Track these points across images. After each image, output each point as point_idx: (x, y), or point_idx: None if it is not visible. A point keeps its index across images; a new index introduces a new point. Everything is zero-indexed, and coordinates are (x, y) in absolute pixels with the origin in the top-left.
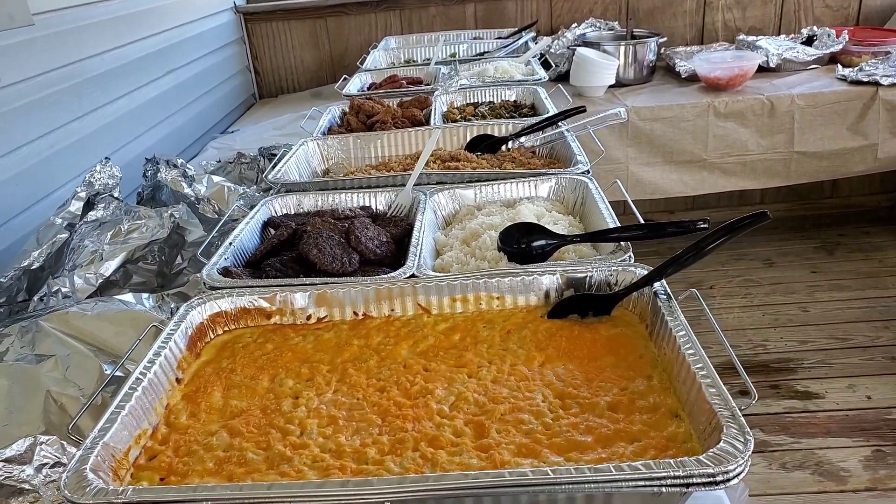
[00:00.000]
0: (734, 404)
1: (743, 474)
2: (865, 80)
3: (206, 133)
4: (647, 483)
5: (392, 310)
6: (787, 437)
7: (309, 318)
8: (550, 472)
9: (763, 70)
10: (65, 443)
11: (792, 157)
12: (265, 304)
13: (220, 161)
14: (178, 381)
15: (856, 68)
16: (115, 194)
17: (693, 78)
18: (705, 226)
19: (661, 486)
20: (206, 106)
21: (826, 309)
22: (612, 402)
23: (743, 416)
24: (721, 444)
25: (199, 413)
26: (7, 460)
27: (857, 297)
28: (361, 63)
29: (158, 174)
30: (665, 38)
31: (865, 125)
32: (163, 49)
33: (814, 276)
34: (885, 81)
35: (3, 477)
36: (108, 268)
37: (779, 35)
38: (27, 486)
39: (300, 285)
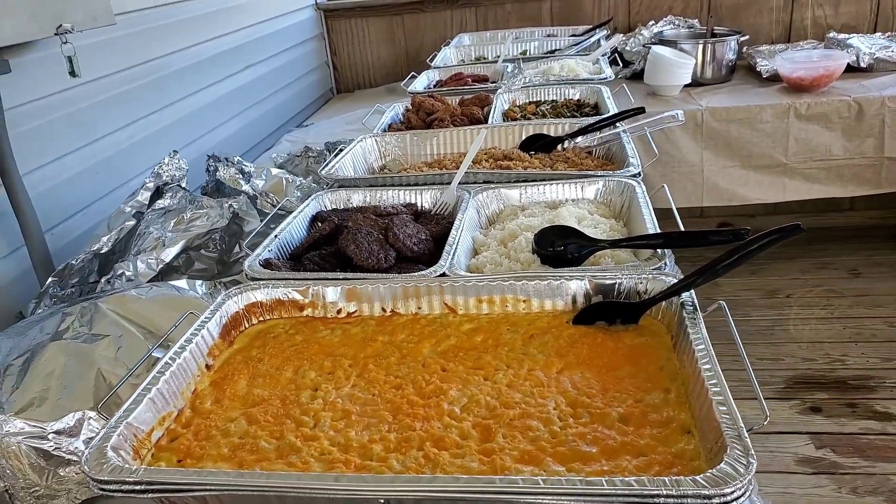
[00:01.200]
0: (742, 425)
1: (743, 498)
2: None
3: (283, 126)
4: (640, 500)
5: (419, 308)
6: (860, 459)
7: (339, 312)
8: (542, 483)
9: (853, 70)
10: None
11: (882, 163)
12: (298, 297)
13: (289, 154)
14: (208, 367)
15: None
16: (183, 185)
17: (775, 78)
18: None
19: None
20: (284, 100)
21: None
22: (624, 414)
23: (811, 433)
24: (722, 464)
25: (223, 399)
26: (57, 432)
27: None
28: (431, 60)
29: (218, 172)
30: (747, 37)
31: None
32: (242, 45)
33: None
34: None
35: (53, 447)
36: (169, 254)
37: (874, 33)
38: (74, 458)
39: (332, 280)
